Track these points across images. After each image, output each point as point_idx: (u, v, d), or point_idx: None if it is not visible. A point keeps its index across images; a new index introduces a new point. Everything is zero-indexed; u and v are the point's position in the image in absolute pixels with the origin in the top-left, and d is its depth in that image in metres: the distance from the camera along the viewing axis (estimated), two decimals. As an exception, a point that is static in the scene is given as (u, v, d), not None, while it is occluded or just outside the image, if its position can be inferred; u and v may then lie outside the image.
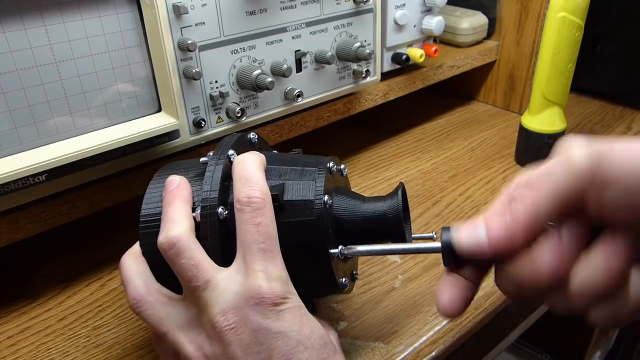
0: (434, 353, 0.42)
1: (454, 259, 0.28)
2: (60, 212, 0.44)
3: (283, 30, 0.50)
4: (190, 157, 0.48)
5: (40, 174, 0.39)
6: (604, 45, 0.81)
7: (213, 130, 0.49)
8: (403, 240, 0.36)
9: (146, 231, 0.35)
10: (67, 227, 0.46)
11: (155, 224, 0.35)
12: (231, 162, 0.36)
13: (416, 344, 0.42)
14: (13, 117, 0.38)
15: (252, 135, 0.40)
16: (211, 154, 0.37)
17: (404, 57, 0.65)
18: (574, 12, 0.56)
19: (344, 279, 0.37)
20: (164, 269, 0.33)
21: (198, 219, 0.34)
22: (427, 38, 0.69)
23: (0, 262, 0.51)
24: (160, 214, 0.34)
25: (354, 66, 0.58)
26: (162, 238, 0.32)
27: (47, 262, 0.52)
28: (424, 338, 0.42)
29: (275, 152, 0.41)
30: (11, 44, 0.37)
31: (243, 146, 0.38)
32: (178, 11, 0.42)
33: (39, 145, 0.40)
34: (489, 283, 0.33)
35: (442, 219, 0.57)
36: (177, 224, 0.33)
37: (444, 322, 0.44)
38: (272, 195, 0.33)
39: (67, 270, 0.51)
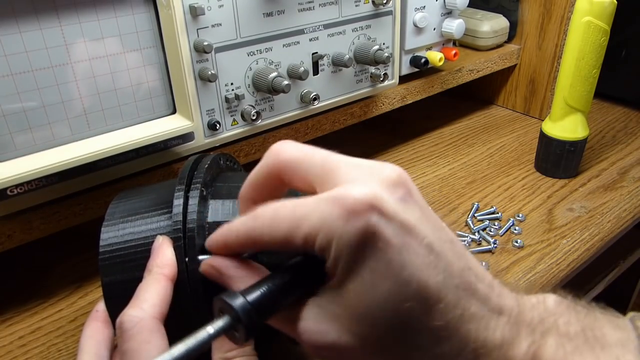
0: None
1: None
2: (73, 212, 0.44)
3: (300, 32, 0.50)
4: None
5: (54, 175, 0.39)
6: (628, 51, 0.79)
7: (228, 132, 0.48)
8: None
9: (107, 263, 0.33)
10: (80, 227, 0.46)
11: (117, 254, 0.32)
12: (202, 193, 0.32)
13: None
14: (27, 118, 0.38)
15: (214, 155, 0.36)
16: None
17: (423, 60, 0.64)
18: (600, 16, 0.54)
19: None
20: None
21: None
22: (447, 41, 0.68)
23: (13, 261, 0.51)
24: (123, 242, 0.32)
25: (372, 69, 0.57)
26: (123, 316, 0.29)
27: (59, 263, 0.52)
28: None
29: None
30: (27, 44, 0.37)
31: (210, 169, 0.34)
32: (194, 12, 0.42)
33: (53, 146, 0.40)
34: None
35: (459, 226, 0.56)
36: (146, 303, 0.29)
37: None
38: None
39: (79, 270, 0.51)
